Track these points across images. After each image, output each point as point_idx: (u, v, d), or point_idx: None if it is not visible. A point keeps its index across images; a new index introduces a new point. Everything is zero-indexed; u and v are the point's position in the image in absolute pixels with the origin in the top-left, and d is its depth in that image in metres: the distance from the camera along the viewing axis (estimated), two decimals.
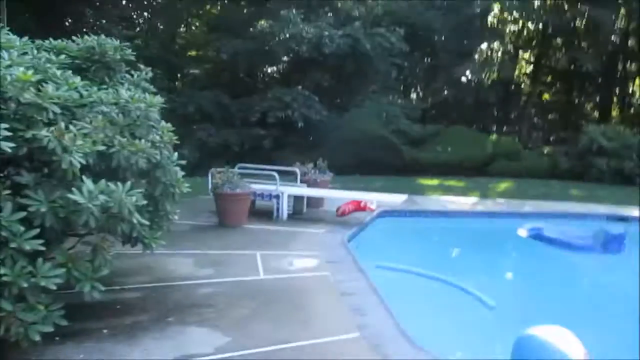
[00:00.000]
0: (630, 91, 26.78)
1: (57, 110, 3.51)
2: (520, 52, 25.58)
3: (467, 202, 11.24)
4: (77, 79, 4.00)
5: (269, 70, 22.75)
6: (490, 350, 4.28)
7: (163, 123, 4.40)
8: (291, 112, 17.03)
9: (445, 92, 23.16)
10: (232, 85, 19.69)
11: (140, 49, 15.18)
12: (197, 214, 8.28)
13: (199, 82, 20.78)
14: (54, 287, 3.15)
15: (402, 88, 26.67)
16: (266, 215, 8.31)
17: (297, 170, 9.41)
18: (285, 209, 8.25)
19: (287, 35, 17.27)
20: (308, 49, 17.19)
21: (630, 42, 23.47)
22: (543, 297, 6.09)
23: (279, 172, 8.54)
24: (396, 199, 8.87)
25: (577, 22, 21.61)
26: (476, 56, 23.42)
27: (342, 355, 3.62)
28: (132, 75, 4.93)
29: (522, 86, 27.48)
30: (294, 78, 19.99)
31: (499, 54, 25.06)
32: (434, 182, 14.62)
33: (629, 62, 24.94)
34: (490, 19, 24.09)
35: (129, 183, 3.56)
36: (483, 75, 22.35)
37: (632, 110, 26.62)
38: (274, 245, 6.59)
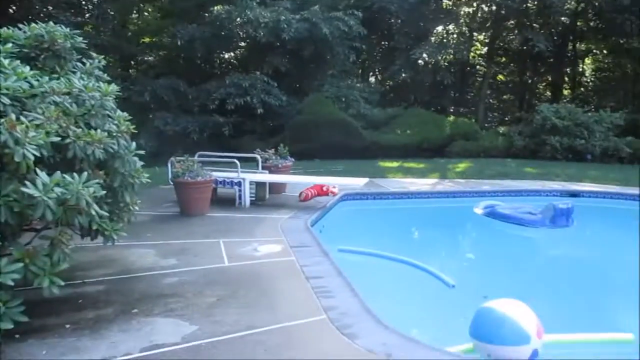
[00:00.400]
0: (580, 70, 27.64)
1: (7, 101, 3.39)
2: (475, 33, 26.01)
3: (427, 183, 11.44)
4: (27, 69, 3.86)
5: (226, 56, 22.46)
6: (453, 325, 4.40)
7: (119, 112, 4.30)
8: (250, 98, 16.90)
9: (403, 74, 23.35)
10: (189, 72, 19.37)
11: (90, 36, 14.72)
12: (158, 204, 8.17)
13: (154, 70, 20.35)
14: (12, 283, 3.07)
15: (360, 71, 26.81)
16: (228, 202, 8.27)
17: (258, 157, 9.37)
18: (247, 195, 8.21)
19: (245, 20, 17.06)
20: (265, 33, 17.03)
21: (579, 23, 24.17)
22: (498, 272, 6.30)
23: (239, 159, 8.49)
24: (358, 182, 8.95)
25: (529, 3, 22.09)
26: (432, 38, 23.69)
27: (310, 337, 3.66)
28: (84, 64, 4.78)
29: (478, 67, 28.01)
30: (252, 63, 19.81)
31: (455, 35, 25.43)
32: (395, 164, 14.80)
33: (578, 42, 25.72)
34: (445, 1, 24.38)
35: (85, 174, 3.47)
36: (439, 57, 22.63)
37: (582, 89, 27.51)
38: (237, 233, 6.57)
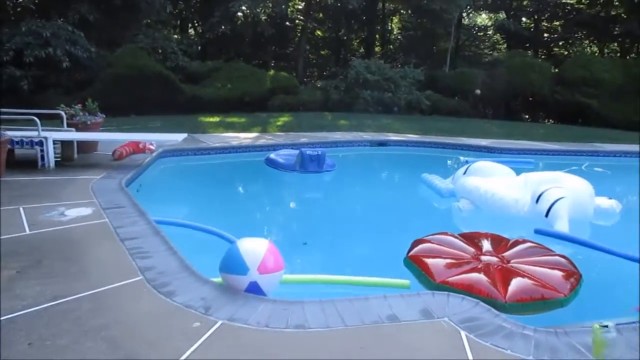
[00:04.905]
0: (389, 28, 29.67)
1: None
2: None
3: (248, 137, 11.53)
4: None
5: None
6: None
7: None
8: (53, 49, 15.16)
9: (223, 27, 22.83)
10: None
11: None
12: None
13: None
14: None
15: (179, 22, 25.62)
16: (30, 165, 7.47)
17: (63, 113, 8.55)
18: (52, 156, 7.49)
19: None
20: None
21: None
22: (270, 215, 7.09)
23: (40, 115, 7.67)
24: (175, 138, 8.65)
25: None
26: None
27: (126, 300, 3.53)
28: None
29: (297, 22, 28.50)
30: (54, 10, 17.67)
31: None
32: (216, 119, 14.64)
33: (387, 2, 27.48)
34: None
35: None
36: (258, 10, 22.50)
37: (391, 47, 29.64)
38: (41, 197, 5.99)
